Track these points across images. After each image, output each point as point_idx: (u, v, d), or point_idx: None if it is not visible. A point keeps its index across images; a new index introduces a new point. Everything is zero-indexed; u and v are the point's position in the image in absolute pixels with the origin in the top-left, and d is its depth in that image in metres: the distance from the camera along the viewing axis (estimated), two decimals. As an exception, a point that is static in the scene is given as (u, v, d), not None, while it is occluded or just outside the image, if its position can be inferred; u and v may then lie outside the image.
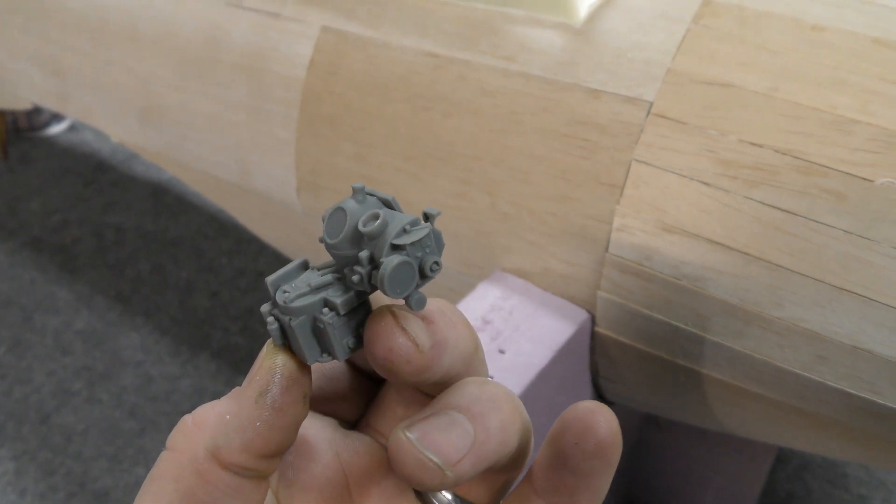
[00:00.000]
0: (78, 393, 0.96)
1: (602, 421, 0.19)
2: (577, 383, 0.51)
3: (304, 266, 0.21)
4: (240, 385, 0.21)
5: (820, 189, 0.39)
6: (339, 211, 0.20)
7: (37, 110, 1.42)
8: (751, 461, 0.70)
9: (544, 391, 0.45)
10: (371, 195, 0.20)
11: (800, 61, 0.42)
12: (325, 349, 0.20)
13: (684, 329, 0.44)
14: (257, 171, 0.62)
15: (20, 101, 0.89)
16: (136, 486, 0.84)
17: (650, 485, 0.75)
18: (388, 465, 0.22)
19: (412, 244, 0.19)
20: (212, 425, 0.20)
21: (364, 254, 0.19)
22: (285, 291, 0.20)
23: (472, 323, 0.46)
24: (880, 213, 0.38)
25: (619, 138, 0.44)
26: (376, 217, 0.19)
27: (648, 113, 0.44)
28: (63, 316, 1.08)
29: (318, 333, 0.20)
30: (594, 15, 0.47)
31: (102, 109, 0.74)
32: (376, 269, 0.19)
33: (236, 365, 1.01)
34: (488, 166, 0.49)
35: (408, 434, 0.19)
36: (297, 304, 0.20)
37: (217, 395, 0.24)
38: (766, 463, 0.71)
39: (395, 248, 0.19)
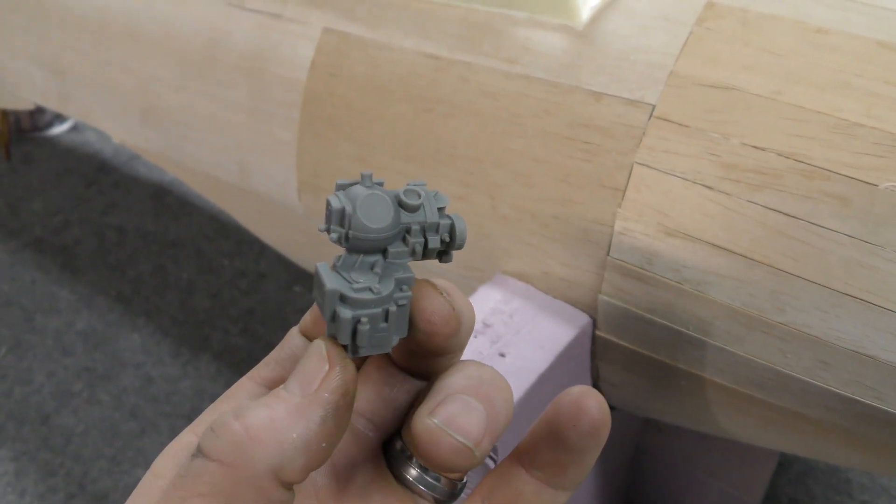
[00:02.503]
0: (78, 394, 0.96)
1: (594, 403, 0.21)
2: (578, 387, 0.51)
3: (327, 267, 0.21)
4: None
5: (823, 193, 0.39)
6: (376, 197, 0.21)
7: (39, 111, 1.43)
8: (753, 466, 0.69)
9: (545, 395, 0.44)
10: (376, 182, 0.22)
11: (803, 64, 0.41)
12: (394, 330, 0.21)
13: (686, 333, 0.43)
14: (258, 173, 0.62)
15: (21, 101, 0.89)
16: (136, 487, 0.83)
17: (651, 490, 0.75)
18: (368, 449, 0.23)
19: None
20: (274, 443, 0.19)
21: (416, 226, 0.21)
22: (358, 290, 0.20)
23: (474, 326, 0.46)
24: (884, 217, 0.37)
25: (621, 141, 0.44)
26: (417, 193, 0.21)
27: (651, 116, 0.44)
28: (64, 317, 1.07)
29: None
30: (596, 17, 0.47)
31: (103, 110, 0.74)
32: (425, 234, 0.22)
33: (237, 366, 1.00)
34: (489, 168, 0.49)
35: (434, 421, 0.20)
36: (386, 291, 0.20)
37: (217, 397, 0.24)
38: (768, 468, 0.71)
39: (440, 210, 0.22)
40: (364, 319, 0.20)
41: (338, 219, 0.21)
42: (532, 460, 0.22)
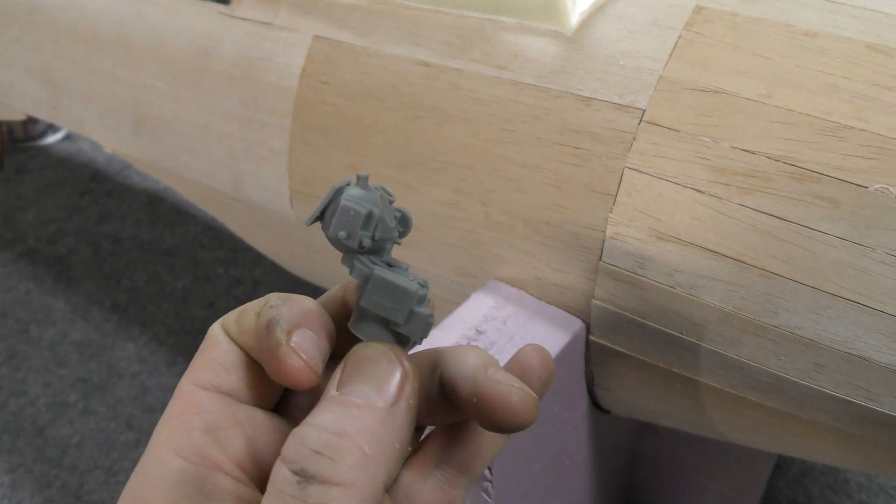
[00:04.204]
0: (74, 405, 0.96)
1: (547, 356, 0.24)
2: (573, 392, 0.50)
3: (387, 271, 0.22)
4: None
5: (814, 196, 0.39)
6: (385, 199, 0.22)
7: (32, 120, 1.42)
8: (750, 469, 0.69)
9: (540, 401, 0.44)
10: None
11: (793, 67, 0.42)
12: None
13: (679, 337, 0.43)
14: (250, 182, 0.62)
15: (13, 111, 0.89)
16: None
17: (648, 493, 0.74)
18: None
19: None
20: (385, 455, 0.19)
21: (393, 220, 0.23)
22: (418, 288, 0.21)
23: (466, 333, 0.46)
24: (875, 219, 0.38)
25: (611, 146, 0.44)
26: (387, 191, 0.23)
27: (641, 120, 0.44)
28: (58, 327, 1.07)
29: None
30: (586, 23, 0.47)
31: (95, 119, 0.74)
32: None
33: (233, 375, 1.00)
34: (481, 175, 0.49)
35: (502, 381, 0.21)
36: (426, 285, 0.22)
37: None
38: (765, 470, 0.70)
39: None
40: (433, 314, 0.21)
41: (365, 223, 0.21)
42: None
